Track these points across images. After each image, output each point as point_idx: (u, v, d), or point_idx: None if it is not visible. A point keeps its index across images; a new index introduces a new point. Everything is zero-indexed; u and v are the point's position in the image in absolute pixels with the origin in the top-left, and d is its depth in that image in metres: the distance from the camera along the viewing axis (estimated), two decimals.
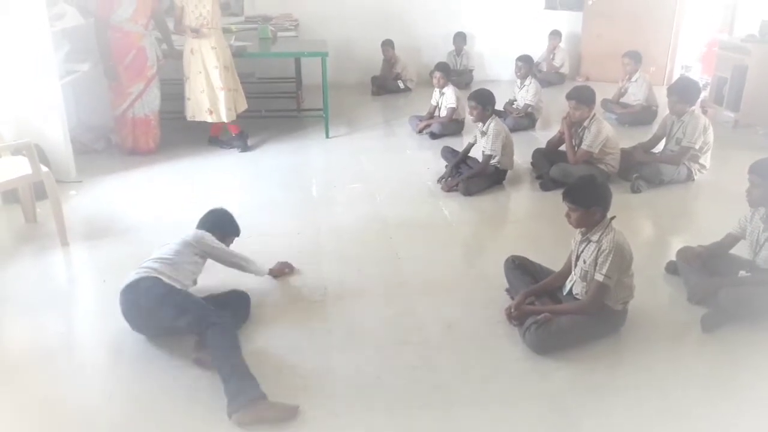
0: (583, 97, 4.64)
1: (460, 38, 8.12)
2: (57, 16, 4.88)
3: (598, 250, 2.79)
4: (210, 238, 3.05)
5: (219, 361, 2.49)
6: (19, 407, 2.52)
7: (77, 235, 3.94)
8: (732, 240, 3.27)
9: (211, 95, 5.37)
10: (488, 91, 4.81)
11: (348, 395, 2.54)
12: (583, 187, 2.89)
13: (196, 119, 5.48)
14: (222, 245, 3.11)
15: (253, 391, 2.40)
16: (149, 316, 2.72)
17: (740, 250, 3.27)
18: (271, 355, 2.78)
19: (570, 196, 2.85)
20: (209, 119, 5.46)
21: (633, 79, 6.52)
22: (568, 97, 4.70)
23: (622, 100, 6.63)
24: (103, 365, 2.79)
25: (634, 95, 6.51)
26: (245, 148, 5.68)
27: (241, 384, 2.41)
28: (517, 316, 2.92)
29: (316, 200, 4.61)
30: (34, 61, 4.48)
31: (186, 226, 3.24)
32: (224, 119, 5.46)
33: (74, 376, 2.68)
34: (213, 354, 2.54)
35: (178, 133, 5.77)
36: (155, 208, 4.41)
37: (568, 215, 2.88)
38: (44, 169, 3.82)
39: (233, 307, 2.93)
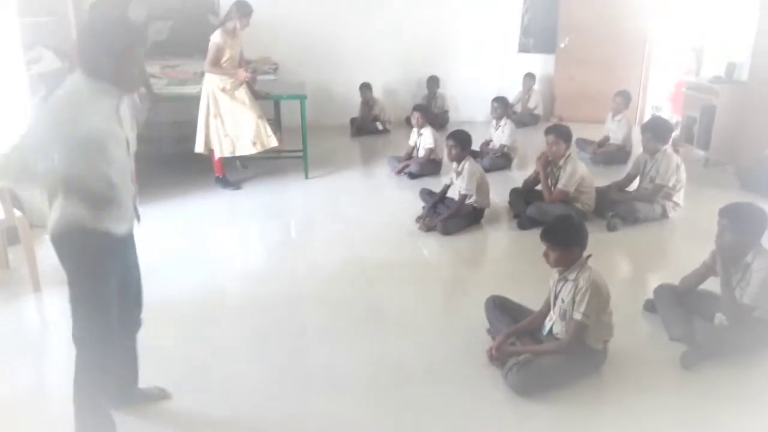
0: (561, 133, 4.76)
1: (432, 82, 8.26)
2: (34, 60, 4.87)
3: (576, 289, 2.80)
4: None
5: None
6: None
7: (50, 280, 3.85)
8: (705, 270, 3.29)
9: (258, 124, 5.42)
10: (466, 132, 4.90)
11: None
12: (561, 227, 2.91)
13: (237, 154, 5.50)
14: None
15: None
16: None
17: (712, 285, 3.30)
18: (246, 398, 2.72)
19: (548, 236, 2.87)
20: (252, 150, 5.46)
21: (617, 118, 6.62)
22: (547, 132, 4.82)
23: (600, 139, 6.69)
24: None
25: (614, 134, 6.58)
26: (237, 186, 5.73)
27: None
28: (498, 357, 2.90)
29: (295, 241, 4.59)
30: (10, 106, 4.44)
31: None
32: (274, 143, 5.52)
33: (45, 427, 2.59)
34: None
35: (156, 173, 5.72)
36: None
37: (546, 254, 2.90)
38: (17, 213, 3.76)
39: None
